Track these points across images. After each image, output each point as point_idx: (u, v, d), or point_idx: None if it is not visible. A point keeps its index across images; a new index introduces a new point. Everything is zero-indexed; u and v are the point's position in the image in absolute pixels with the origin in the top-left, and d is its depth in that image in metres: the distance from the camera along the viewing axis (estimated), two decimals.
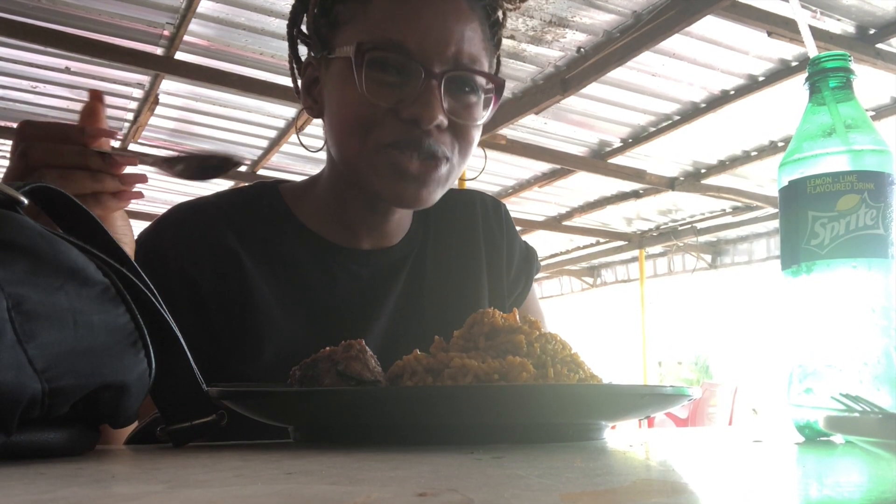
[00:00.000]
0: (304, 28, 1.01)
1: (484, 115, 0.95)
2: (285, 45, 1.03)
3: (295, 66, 1.03)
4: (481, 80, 0.94)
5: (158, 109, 5.03)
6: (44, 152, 0.73)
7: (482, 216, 1.15)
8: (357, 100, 0.89)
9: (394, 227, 1.06)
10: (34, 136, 0.74)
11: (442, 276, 1.08)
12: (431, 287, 1.07)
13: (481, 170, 1.16)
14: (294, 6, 1.02)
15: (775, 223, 0.78)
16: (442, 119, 0.89)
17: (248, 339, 0.93)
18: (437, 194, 0.95)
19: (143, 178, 0.79)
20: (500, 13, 1.00)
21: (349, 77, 0.89)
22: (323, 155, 1.04)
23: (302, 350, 0.93)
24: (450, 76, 0.90)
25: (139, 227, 1.03)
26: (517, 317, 0.74)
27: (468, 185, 5.86)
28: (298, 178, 1.11)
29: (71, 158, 0.74)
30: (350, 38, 0.90)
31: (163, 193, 6.80)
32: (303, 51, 1.04)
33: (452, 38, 0.90)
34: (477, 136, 0.96)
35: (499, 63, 1.04)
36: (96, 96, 0.79)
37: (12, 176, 0.74)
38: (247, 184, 1.11)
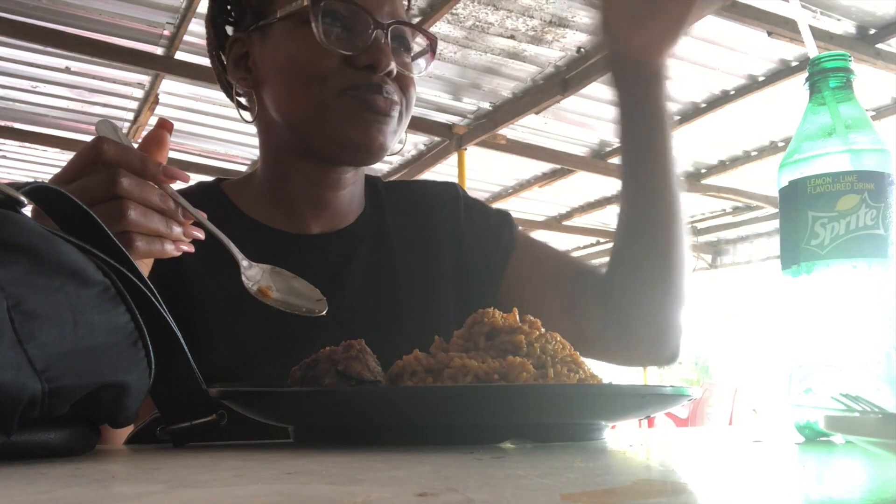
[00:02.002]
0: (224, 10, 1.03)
1: (422, 71, 1.01)
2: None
3: (217, 47, 1.04)
4: (413, 41, 1.00)
5: (159, 109, 5.02)
6: (134, 186, 0.69)
7: (434, 202, 1.13)
8: (310, 52, 0.92)
9: (342, 206, 1.04)
10: (119, 161, 0.70)
11: (407, 262, 1.06)
12: (397, 272, 1.04)
13: (399, 150, 1.15)
14: None
15: (775, 223, 0.78)
16: (393, 66, 0.93)
17: (197, 339, 0.90)
18: (390, 140, 0.97)
19: (201, 237, 0.77)
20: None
21: (296, 34, 0.93)
22: None
23: (256, 346, 0.92)
24: (394, 29, 0.95)
25: None
26: (517, 316, 0.74)
27: (468, 184, 5.88)
28: None
29: (154, 199, 0.71)
30: (291, 3, 0.93)
31: None
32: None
33: None
34: (415, 94, 1.01)
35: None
36: (164, 125, 0.78)
37: (87, 193, 0.68)
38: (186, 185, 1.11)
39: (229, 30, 1.04)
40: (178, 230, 0.74)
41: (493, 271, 1.08)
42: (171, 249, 0.74)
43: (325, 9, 0.91)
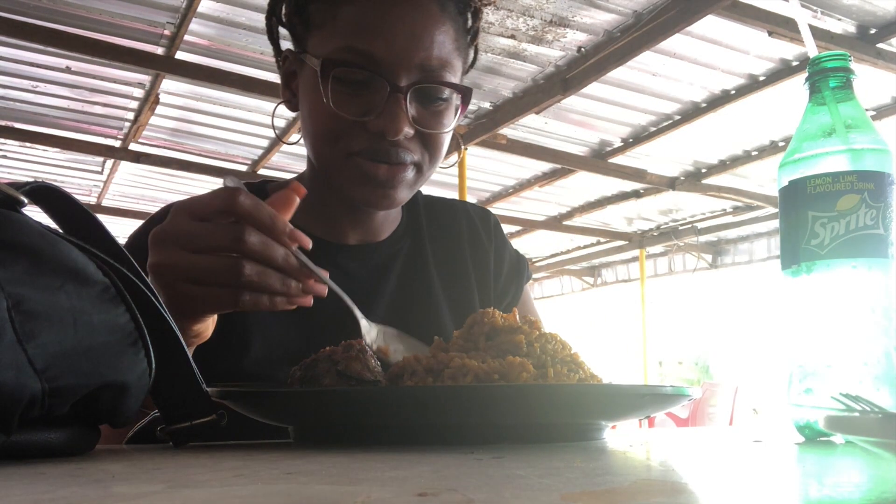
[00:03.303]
0: (283, 18, 1.01)
1: (453, 122, 0.95)
2: (286, 45, 1.03)
3: (277, 57, 1.03)
4: (440, 91, 0.93)
5: (159, 109, 5.03)
6: (259, 245, 0.69)
7: (467, 225, 1.16)
8: (325, 111, 0.89)
9: (379, 222, 1.06)
10: (250, 216, 0.70)
11: (440, 278, 1.09)
12: (432, 286, 1.07)
13: (454, 163, 1.17)
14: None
15: (776, 223, 0.78)
16: (408, 131, 0.90)
17: (233, 337, 0.92)
18: (405, 195, 0.96)
19: (322, 293, 0.76)
20: (477, 2, 0.99)
21: (318, 86, 0.89)
22: None
23: (291, 347, 0.93)
24: (416, 89, 0.90)
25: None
26: (517, 317, 0.74)
27: (469, 184, 5.88)
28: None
29: (277, 258, 0.71)
30: (320, 45, 0.91)
31: (164, 193, 6.81)
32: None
33: (421, 44, 0.90)
34: (447, 140, 0.97)
35: (476, 54, 1.04)
36: (297, 190, 0.78)
37: (213, 239, 0.69)
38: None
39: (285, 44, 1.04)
40: (294, 286, 0.73)
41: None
42: (281, 303, 0.73)
43: (338, 73, 0.89)
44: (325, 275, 0.76)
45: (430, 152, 0.95)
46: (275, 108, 1.05)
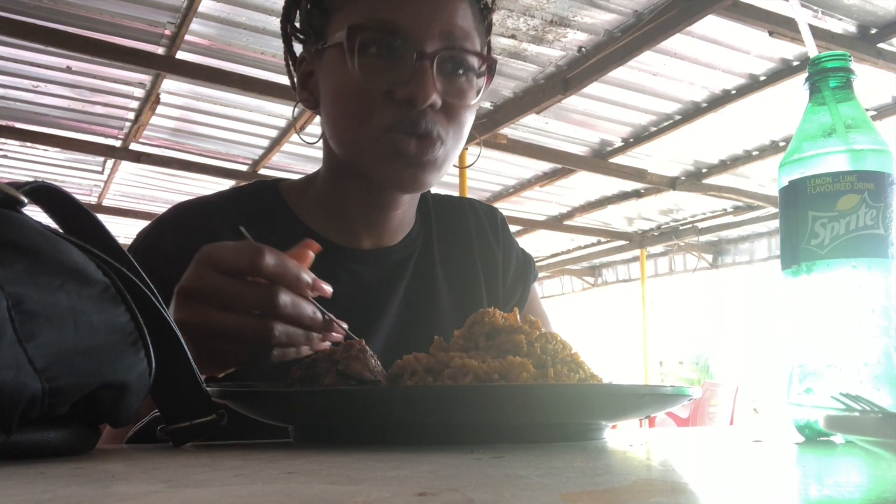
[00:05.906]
0: (297, 24, 1.01)
1: (477, 97, 0.95)
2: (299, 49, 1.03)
3: (290, 61, 1.03)
4: (473, 61, 0.93)
5: (160, 109, 5.03)
6: (290, 306, 0.71)
7: (475, 223, 1.16)
8: (352, 86, 0.89)
9: (394, 224, 1.06)
10: (278, 277, 0.71)
11: (446, 280, 1.09)
12: (437, 290, 1.07)
13: (472, 163, 1.18)
14: (286, 1, 1.02)
15: (776, 223, 0.78)
16: (436, 98, 0.89)
17: None
18: (433, 177, 0.95)
19: (338, 339, 0.77)
20: None
21: (343, 64, 0.89)
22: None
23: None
24: (442, 55, 0.90)
25: (140, 226, 1.03)
26: (517, 317, 0.74)
27: (469, 184, 5.88)
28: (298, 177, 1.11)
29: (305, 317, 0.72)
30: (342, 24, 0.91)
31: (164, 193, 6.81)
32: (298, 49, 1.03)
33: (444, 13, 0.90)
34: (470, 119, 0.96)
35: (489, 49, 1.04)
36: (310, 246, 0.78)
37: (246, 302, 0.70)
38: (247, 182, 1.11)
39: (299, 48, 1.04)
40: (316, 339, 0.75)
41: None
42: (304, 353, 0.75)
43: (364, 40, 0.88)
44: (345, 326, 0.78)
45: (454, 128, 0.93)
46: (294, 107, 1.06)
